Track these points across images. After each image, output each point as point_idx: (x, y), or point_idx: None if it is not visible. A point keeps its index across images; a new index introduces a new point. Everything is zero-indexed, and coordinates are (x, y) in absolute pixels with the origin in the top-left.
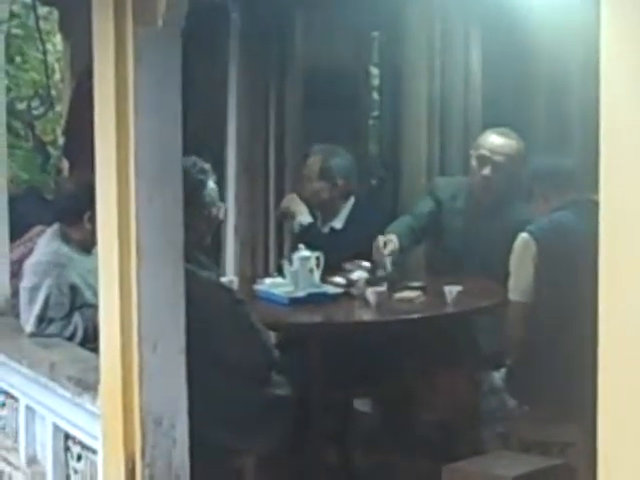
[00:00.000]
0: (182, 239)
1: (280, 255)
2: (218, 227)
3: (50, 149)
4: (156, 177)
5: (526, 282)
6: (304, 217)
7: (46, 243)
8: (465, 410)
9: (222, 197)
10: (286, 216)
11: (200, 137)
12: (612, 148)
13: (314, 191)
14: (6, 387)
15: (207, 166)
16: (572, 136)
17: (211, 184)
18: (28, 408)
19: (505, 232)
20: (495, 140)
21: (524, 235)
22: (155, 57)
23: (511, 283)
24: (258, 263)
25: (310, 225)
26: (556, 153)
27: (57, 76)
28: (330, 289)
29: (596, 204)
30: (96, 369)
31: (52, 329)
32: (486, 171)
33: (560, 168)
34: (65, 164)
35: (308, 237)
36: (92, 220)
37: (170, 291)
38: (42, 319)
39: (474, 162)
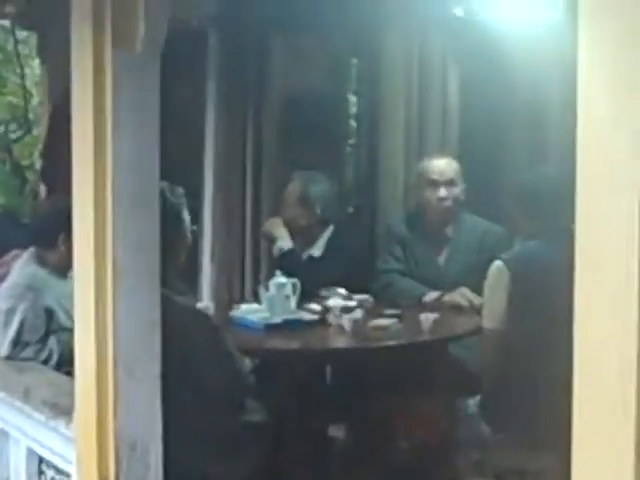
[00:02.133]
0: (159, 263)
1: (256, 281)
2: (194, 252)
3: (27, 173)
4: (133, 200)
5: (499, 310)
6: (285, 242)
7: (22, 266)
8: (440, 437)
9: (196, 220)
10: (267, 239)
11: (177, 161)
12: (589, 178)
13: (293, 217)
14: None
15: (181, 190)
16: (550, 164)
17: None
18: (2, 431)
19: (471, 250)
20: (439, 163)
21: (498, 263)
22: (133, 81)
23: (484, 311)
24: (234, 289)
25: (290, 251)
26: (533, 181)
27: (35, 100)
28: (306, 316)
29: (571, 233)
30: (71, 393)
31: (27, 353)
32: (442, 192)
33: (536, 196)
34: (42, 188)
35: (287, 262)
36: (66, 243)
37: (146, 316)
38: (17, 342)
39: (426, 190)
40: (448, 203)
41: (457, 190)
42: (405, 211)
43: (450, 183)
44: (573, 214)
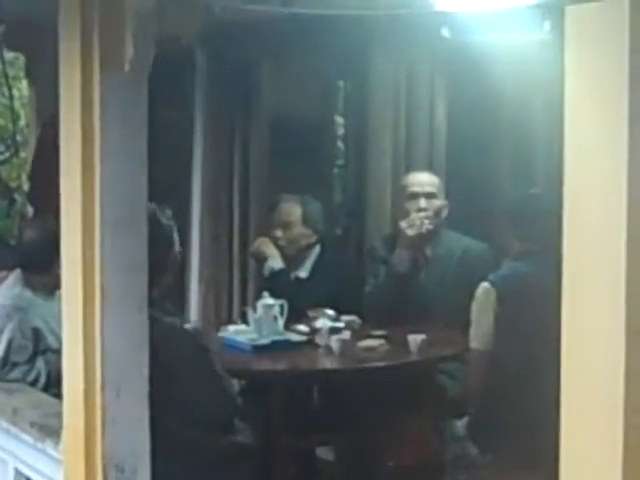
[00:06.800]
0: (146, 284)
1: (244, 302)
2: (182, 273)
3: (15, 195)
4: (121, 222)
5: (486, 330)
6: (275, 262)
7: (8, 288)
8: (428, 458)
9: (184, 242)
10: (257, 258)
11: (165, 183)
12: (576, 198)
13: (280, 238)
14: None
15: (170, 212)
16: (537, 185)
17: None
18: None
19: (450, 267)
20: (419, 176)
21: (485, 284)
22: (121, 102)
23: (472, 331)
24: (222, 310)
25: (280, 270)
26: (520, 202)
27: (22, 122)
28: (294, 337)
29: (559, 254)
30: (59, 414)
31: (15, 374)
32: (422, 203)
33: (523, 217)
34: (29, 210)
35: (276, 282)
36: (54, 264)
37: (134, 336)
38: (5, 363)
39: (407, 203)
40: (429, 215)
41: (437, 203)
42: (391, 231)
43: (430, 195)
44: (561, 235)
